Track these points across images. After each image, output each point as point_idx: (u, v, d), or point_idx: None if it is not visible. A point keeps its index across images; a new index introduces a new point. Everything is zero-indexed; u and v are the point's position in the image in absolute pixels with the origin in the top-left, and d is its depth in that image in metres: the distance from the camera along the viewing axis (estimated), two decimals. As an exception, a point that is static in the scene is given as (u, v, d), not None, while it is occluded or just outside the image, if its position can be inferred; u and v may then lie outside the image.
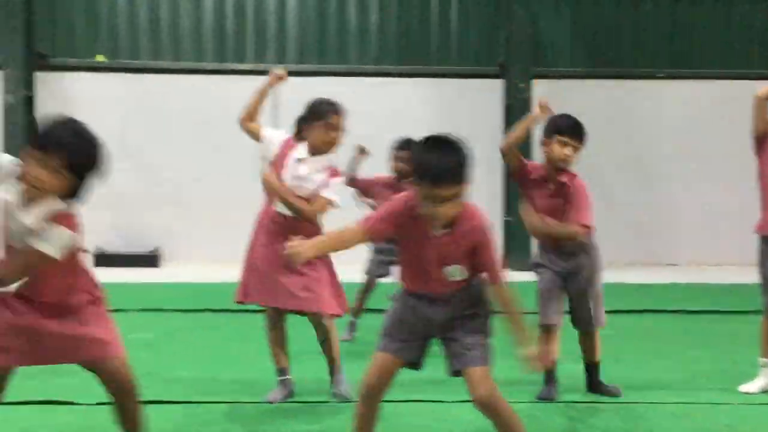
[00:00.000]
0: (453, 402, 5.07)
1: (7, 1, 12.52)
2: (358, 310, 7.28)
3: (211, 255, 12.50)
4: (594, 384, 5.51)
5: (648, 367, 6.34)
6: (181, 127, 13.05)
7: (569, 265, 5.35)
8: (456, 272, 3.72)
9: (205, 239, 12.88)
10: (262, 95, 5.40)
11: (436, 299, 3.78)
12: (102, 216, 11.37)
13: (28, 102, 12.61)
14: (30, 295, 3.61)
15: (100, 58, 13.21)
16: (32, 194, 3.47)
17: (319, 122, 5.25)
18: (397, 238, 3.81)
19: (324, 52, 13.59)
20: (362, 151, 7.04)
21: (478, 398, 3.69)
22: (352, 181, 7.00)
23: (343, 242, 3.77)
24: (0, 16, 12.75)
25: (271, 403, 5.22)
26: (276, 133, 5.40)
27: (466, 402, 3.95)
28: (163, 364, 6.27)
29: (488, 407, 3.70)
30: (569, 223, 5.19)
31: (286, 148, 5.31)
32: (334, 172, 5.35)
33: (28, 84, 12.65)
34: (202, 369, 6.17)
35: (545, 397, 5.28)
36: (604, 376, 5.53)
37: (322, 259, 5.22)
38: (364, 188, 7.17)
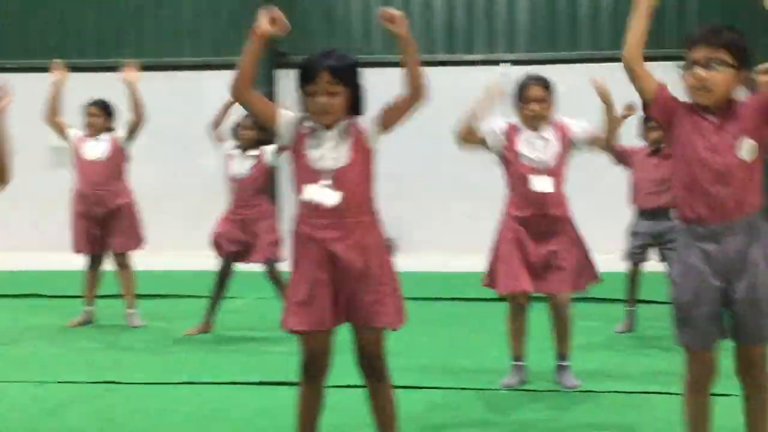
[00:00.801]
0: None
1: (248, 2, 13.15)
2: (632, 300, 7.15)
3: (439, 244, 12.72)
4: None
5: None
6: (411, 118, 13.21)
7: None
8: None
9: (434, 229, 13.07)
10: (475, 118, 5.25)
11: None
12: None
13: (269, 97, 13.10)
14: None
15: (335, 55, 13.61)
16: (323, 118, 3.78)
17: (518, 101, 5.30)
18: None
19: (555, 40, 13.44)
20: (629, 109, 6.34)
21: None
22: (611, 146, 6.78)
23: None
24: (244, 17, 13.44)
25: (506, 388, 5.28)
26: (497, 129, 5.32)
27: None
28: (398, 351, 6.42)
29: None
30: None
31: (513, 134, 5.30)
32: (558, 125, 5.30)
33: (270, 80, 13.25)
34: (435, 355, 6.29)
35: None
36: None
37: (573, 232, 5.22)
38: (622, 155, 6.94)
